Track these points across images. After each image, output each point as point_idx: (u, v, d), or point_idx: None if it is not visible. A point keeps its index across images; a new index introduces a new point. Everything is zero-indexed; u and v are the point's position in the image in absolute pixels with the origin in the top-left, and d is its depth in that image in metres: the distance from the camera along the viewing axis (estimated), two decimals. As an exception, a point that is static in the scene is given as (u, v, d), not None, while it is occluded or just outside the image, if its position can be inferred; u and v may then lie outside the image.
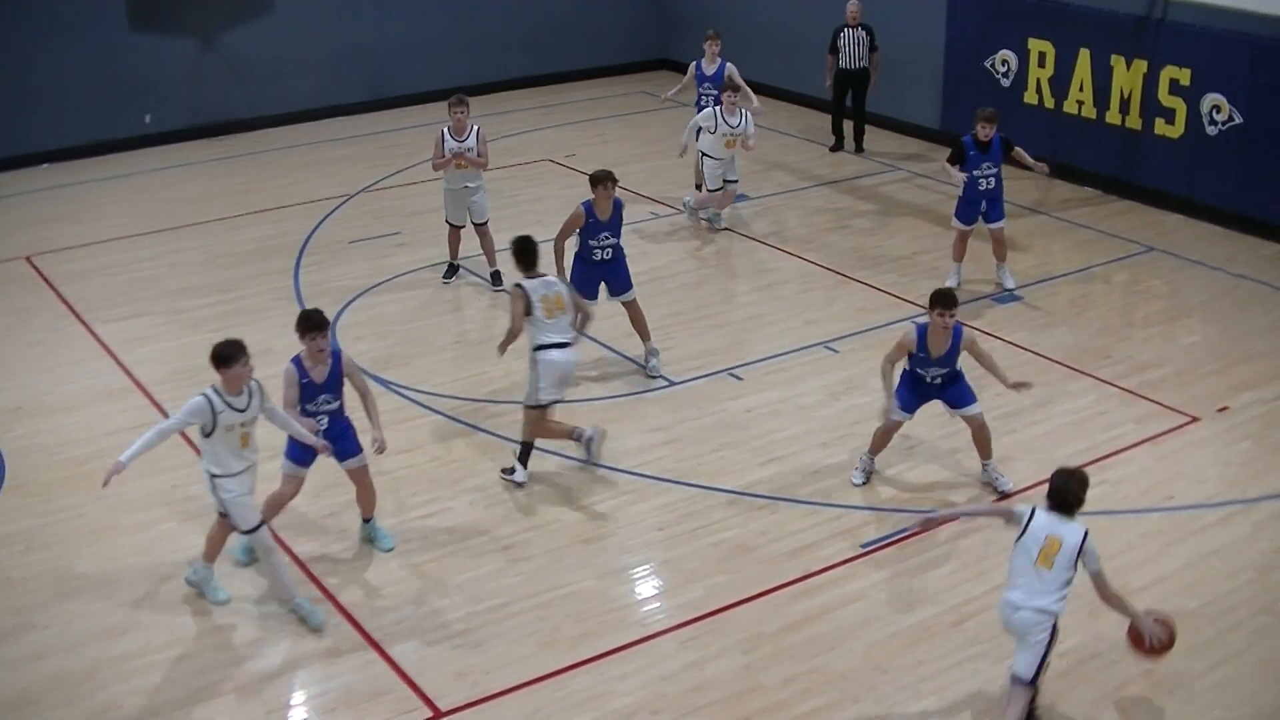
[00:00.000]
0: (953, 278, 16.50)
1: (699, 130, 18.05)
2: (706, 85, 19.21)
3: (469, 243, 16.73)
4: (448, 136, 16.11)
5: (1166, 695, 9.64)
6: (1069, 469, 9.06)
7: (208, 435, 9.94)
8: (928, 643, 10.24)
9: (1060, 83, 20.44)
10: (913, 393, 12.01)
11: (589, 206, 13.99)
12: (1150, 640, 9.14)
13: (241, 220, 19.12)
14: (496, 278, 16.70)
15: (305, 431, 10.58)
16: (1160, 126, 19.23)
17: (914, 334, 11.68)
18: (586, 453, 12.48)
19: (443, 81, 23.82)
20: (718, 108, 17.84)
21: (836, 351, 14.96)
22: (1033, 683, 9.03)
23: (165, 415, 12.77)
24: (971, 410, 12.00)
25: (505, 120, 23.68)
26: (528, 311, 11.91)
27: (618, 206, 14.15)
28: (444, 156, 16.05)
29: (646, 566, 11.36)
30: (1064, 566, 8.77)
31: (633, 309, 14.40)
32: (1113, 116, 19.65)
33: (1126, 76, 19.50)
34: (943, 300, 11.46)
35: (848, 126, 22.32)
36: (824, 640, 10.27)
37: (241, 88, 23.41)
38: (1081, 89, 20.11)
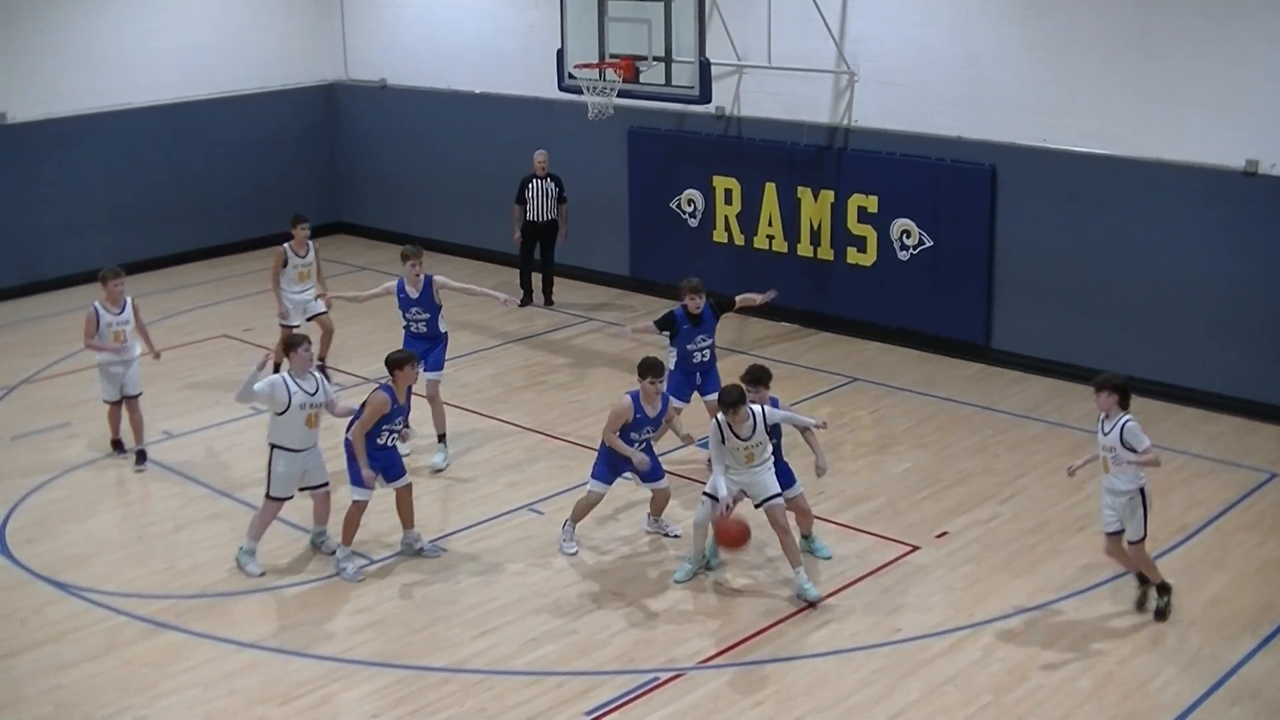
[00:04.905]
0: None
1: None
2: (414, 310, 16.28)
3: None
4: (103, 312, 16.03)
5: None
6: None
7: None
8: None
9: (748, 219, 21.06)
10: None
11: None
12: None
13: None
14: (141, 457, 16.49)
15: None
16: (852, 255, 19.98)
17: (629, 401, 13.52)
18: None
19: (104, 259, 23.25)
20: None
21: (542, 514, 14.95)
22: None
23: None
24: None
25: (174, 297, 23.30)
26: None
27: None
28: (98, 333, 16.02)
29: (360, 760, 11.09)
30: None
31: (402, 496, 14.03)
32: (804, 249, 20.31)
33: (815, 208, 20.21)
34: (653, 369, 13.52)
35: (536, 279, 22.57)
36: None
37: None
38: (770, 223, 20.75)
